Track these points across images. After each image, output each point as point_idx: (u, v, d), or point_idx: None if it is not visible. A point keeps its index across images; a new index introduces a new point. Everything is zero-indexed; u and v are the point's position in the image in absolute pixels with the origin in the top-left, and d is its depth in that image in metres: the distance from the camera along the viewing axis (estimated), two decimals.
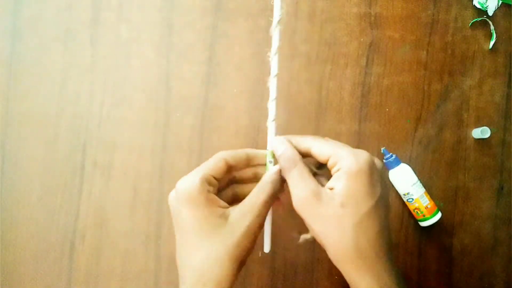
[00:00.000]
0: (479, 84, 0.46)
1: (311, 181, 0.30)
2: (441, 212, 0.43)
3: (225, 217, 0.30)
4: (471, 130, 0.45)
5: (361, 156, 0.29)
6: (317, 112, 0.44)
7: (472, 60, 0.46)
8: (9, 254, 0.41)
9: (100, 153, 0.42)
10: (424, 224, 0.43)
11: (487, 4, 0.45)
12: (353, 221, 0.28)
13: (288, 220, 0.42)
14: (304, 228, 0.43)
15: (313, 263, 0.43)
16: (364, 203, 0.28)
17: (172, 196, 0.32)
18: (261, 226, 0.31)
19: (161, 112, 0.43)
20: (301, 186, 0.30)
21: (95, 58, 0.43)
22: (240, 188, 0.36)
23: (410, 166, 0.43)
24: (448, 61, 0.45)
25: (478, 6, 0.45)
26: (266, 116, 0.43)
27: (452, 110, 0.45)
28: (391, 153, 0.43)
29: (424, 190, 0.43)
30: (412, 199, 0.42)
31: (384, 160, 0.43)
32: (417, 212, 0.43)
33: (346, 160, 0.29)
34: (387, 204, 0.31)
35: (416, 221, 0.44)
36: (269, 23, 0.44)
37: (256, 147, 0.43)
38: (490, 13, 0.45)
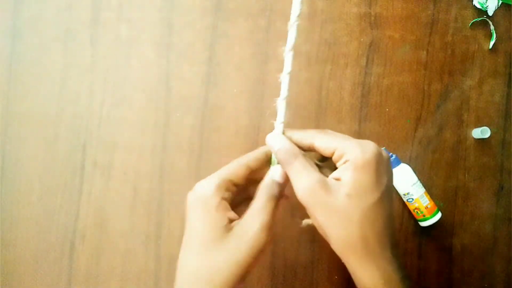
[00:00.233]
0: (479, 84, 0.46)
1: (315, 171, 0.29)
2: (441, 212, 0.43)
3: (230, 229, 0.29)
4: (471, 130, 0.45)
5: (368, 147, 0.29)
6: (317, 112, 0.44)
7: (472, 60, 0.46)
8: (9, 254, 0.41)
9: (100, 153, 0.42)
10: (424, 224, 0.43)
11: (487, 4, 0.45)
12: (359, 213, 0.28)
13: (288, 220, 0.42)
14: (302, 227, 0.43)
15: (313, 263, 0.43)
16: (371, 195, 0.28)
17: (190, 195, 0.31)
18: (262, 238, 0.29)
19: (161, 112, 0.43)
20: (304, 176, 0.29)
21: (95, 58, 0.43)
22: (254, 189, 0.34)
23: (410, 166, 0.43)
24: (448, 61, 0.45)
25: (478, 6, 0.45)
26: (266, 116, 0.43)
27: (452, 110, 0.45)
28: (391, 153, 0.43)
29: (424, 190, 0.43)
30: (412, 199, 0.42)
31: None
32: (417, 212, 0.43)
33: (353, 152, 0.28)
34: (391, 196, 0.30)
35: (416, 221, 0.44)
36: (269, 23, 0.44)
37: (256, 147, 0.43)
38: (490, 13, 0.45)
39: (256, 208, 0.30)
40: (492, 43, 0.46)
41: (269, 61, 0.43)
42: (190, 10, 0.43)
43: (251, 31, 0.44)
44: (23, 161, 0.42)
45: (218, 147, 0.43)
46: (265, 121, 0.43)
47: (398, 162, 0.43)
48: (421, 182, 0.43)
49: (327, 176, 0.30)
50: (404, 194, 0.43)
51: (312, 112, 0.44)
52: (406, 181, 0.42)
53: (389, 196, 0.29)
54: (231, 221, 0.30)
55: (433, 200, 0.43)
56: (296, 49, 0.44)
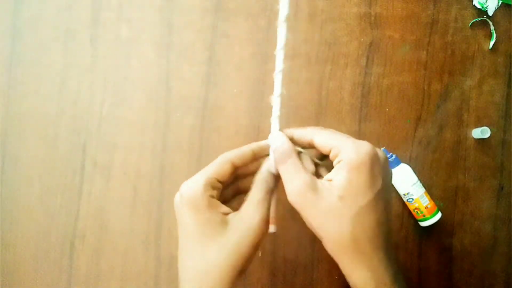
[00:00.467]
0: (479, 84, 0.46)
1: (305, 173, 0.29)
2: (441, 212, 0.43)
3: (225, 223, 0.29)
4: (471, 130, 0.45)
5: (363, 148, 0.28)
6: (317, 112, 0.44)
7: (472, 60, 0.46)
8: (9, 254, 0.41)
9: (100, 153, 0.42)
10: (424, 224, 0.43)
11: (487, 4, 0.45)
12: (350, 214, 0.28)
13: (288, 220, 0.42)
14: (302, 227, 0.43)
15: (313, 263, 0.43)
16: (363, 196, 0.28)
17: (177, 198, 0.31)
18: (261, 228, 0.30)
19: (161, 112, 0.43)
20: (294, 178, 0.29)
21: (95, 58, 0.43)
22: (243, 183, 0.35)
23: (410, 166, 0.43)
24: (448, 61, 0.45)
25: (478, 6, 0.45)
26: (266, 116, 0.43)
27: (452, 110, 0.45)
28: (391, 153, 0.43)
29: (424, 190, 0.43)
30: (412, 199, 0.42)
31: None
32: (417, 212, 0.43)
33: (348, 152, 0.28)
34: (388, 197, 0.30)
35: (416, 221, 0.44)
36: (269, 23, 0.44)
37: None
38: (490, 13, 0.45)
39: (255, 201, 0.30)
40: (492, 43, 0.46)
41: (269, 61, 0.43)
42: (190, 10, 0.43)
43: (251, 31, 0.44)
44: (23, 161, 0.42)
45: (218, 147, 0.43)
46: (265, 121, 0.43)
47: (398, 162, 0.43)
48: (421, 182, 0.43)
49: (323, 176, 0.30)
50: (404, 194, 0.43)
51: (312, 112, 0.44)
52: (406, 181, 0.42)
53: (384, 197, 0.29)
54: (225, 215, 0.30)
55: (433, 200, 0.43)
56: (296, 49, 0.45)
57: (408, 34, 0.45)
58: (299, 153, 0.32)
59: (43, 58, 0.42)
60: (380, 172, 0.29)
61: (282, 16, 0.30)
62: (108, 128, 0.43)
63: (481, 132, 0.44)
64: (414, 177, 0.43)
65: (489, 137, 0.44)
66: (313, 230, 0.30)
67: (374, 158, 0.28)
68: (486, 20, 0.46)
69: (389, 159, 0.43)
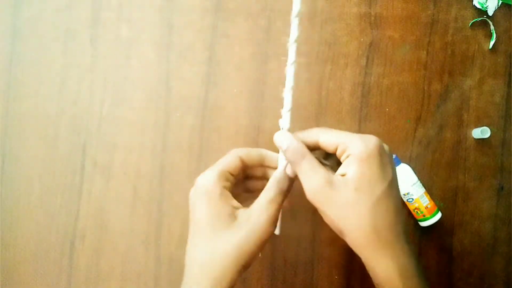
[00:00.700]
0: (479, 84, 0.46)
1: (322, 170, 0.30)
2: (441, 212, 0.43)
3: (234, 216, 0.31)
4: (471, 130, 0.45)
5: (370, 140, 0.29)
6: (317, 112, 0.44)
7: (472, 60, 0.46)
8: (9, 254, 0.41)
9: (100, 153, 0.42)
10: (424, 224, 0.43)
11: (487, 4, 0.45)
12: (369, 204, 0.28)
13: (288, 220, 0.42)
14: (302, 227, 0.43)
15: (313, 263, 0.43)
16: (378, 186, 0.29)
17: (192, 191, 0.32)
18: (268, 227, 0.31)
19: (161, 112, 0.43)
20: (312, 175, 0.30)
21: (95, 58, 0.43)
22: (251, 184, 0.37)
23: (410, 166, 0.43)
24: (448, 61, 0.45)
25: (478, 6, 0.45)
26: (266, 116, 0.43)
27: (452, 110, 0.45)
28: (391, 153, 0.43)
29: (424, 190, 0.43)
30: (412, 199, 0.42)
31: None
32: (417, 212, 0.43)
33: (356, 146, 0.29)
34: (398, 186, 0.31)
35: (416, 221, 0.44)
36: (269, 23, 0.44)
37: (256, 147, 0.43)
38: (490, 13, 0.45)
39: (266, 200, 0.31)
40: (492, 43, 0.46)
41: (269, 61, 0.43)
42: (190, 10, 0.43)
43: (251, 31, 0.44)
44: (23, 161, 0.42)
45: (218, 147, 0.43)
46: (265, 121, 0.43)
47: (398, 162, 0.43)
48: (421, 182, 0.43)
49: (333, 174, 0.30)
50: (404, 194, 0.43)
51: (312, 112, 0.44)
52: (406, 181, 0.42)
53: (395, 186, 0.30)
54: (235, 209, 0.31)
55: (433, 200, 0.43)
56: (296, 49, 0.44)
57: (408, 34, 0.45)
58: None
59: (43, 58, 0.42)
60: (389, 163, 0.30)
61: (294, 11, 0.32)
62: (108, 128, 0.43)
63: (481, 132, 0.44)
64: (414, 177, 0.43)
65: (489, 137, 0.44)
66: (333, 227, 0.31)
67: (381, 150, 0.30)
68: (486, 20, 0.46)
69: None
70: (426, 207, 0.42)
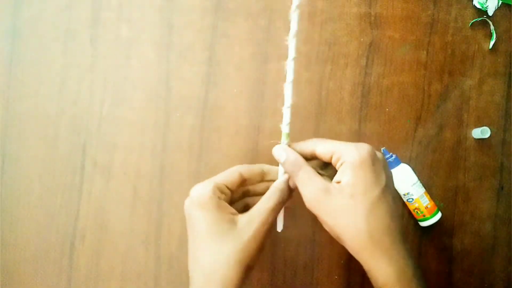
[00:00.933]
0: (479, 84, 0.46)
1: (318, 179, 0.31)
2: (441, 212, 0.43)
3: (234, 222, 0.31)
4: (471, 130, 0.45)
5: (362, 148, 0.31)
6: (317, 112, 0.44)
7: (472, 60, 0.46)
8: (9, 254, 0.41)
9: (100, 153, 0.42)
10: (424, 224, 0.43)
11: (487, 4, 0.45)
12: (363, 209, 0.29)
13: (288, 220, 0.42)
14: (302, 227, 0.43)
15: (313, 263, 0.43)
16: (372, 191, 0.29)
17: (187, 202, 0.33)
18: (268, 232, 0.32)
19: (161, 112, 0.43)
20: (309, 185, 0.31)
21: (95, 58, 0.43)
22: (251, 200, 0.37)
23: (410, 166, 0.43)
24: (448, 61, 0.45)
25: (478, 6, 0.45)
26: (266, 116, 0.43)
27: (452, 110, 0.45)
28: (391, 153, 0.43)
29: (424, 190, 0.43)
30: (412, 199, 0.42)
31: None
32: (417, 212, 0.43)
33: (349, 153, 0.30)
34: (393, 193, 0.32)
35: (416, 221, 0.44)
36: (269, 23, 0.44)
37: (256, 147, 0.43)
38: (490, 13, 0.45)
39: (268, 207, 0.32)
40: (492, 43, 0.46)
41: (269, 61, 0.43)
42: (190, 10, 0.43)
43: (251, 31, 0.44)
44: (23, 161, 0.42)
45: (218, 147, 0.43)
46: (265, 121, 0.43)
47: (398, 162, 0.43)
48: (421, 182, 0.43)
49: (329, 182, 0.31)
50: (404, 194, 0.43)
51: (312, 112, 0.44)
52: (406, 181, 0.42)
53: (390, 191, 0.31)
54: (233, 215, 0.32)
55: (433, 200, 0.43)
56: (296, 49, 0.44)
57: (408, 34, 0.45)
58: None
59: (43, 58, 0.42)
60: (382, 169, 0.31)
61: (294, 5, 0.32)
62: (108, 128, 0.43)
63: (481, 132, 0.44)
64: (414, 177, 0.43)
65: (489, 137, 0.44)
66: (332, 233, 0.32)
67: (374, 156, 0.31)
68: (486, 20, 0.46)
69: (389, 159, 0.43)
70: (426, 207, 0.42)
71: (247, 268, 0.31)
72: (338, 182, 0.30)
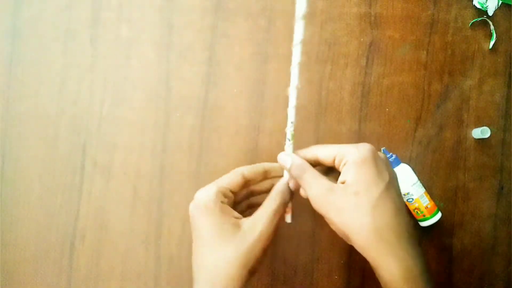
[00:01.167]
0: (479, 84, 0.46)
1: (323, 179, 0.32)
2: (441, 212, 0.43)
3: (238, 226, 0.32)
4: (471, 130, 0.45)
5: (364, 147, 0.31)
6: (317, 112, 0.44)
7: (472, 60, 0.46)
8: (9, 254, 0.41)
9: (100, 153, 0.42)
10: (424, 224, 0.43)
11: (487, 4, 0.45)
12: (368, 205, 0.30)
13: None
14: (302, 227, 0.43)
15: (313, 263, 0.43)
16: (375, 188, 0.30)
17: (191, 206, 0.33)
18: (272, 235, 0.32)
19: (161, 112, 0.43)
20: (315, 185, 0.32)
21: (95, 58, 0.43)
22: (256, 199, 0.37)
23: (410, 166, 0.43)
24: (448, 61, 0.45)
25: (478, 6, 0.45)
26: (266, 116, 0.43)
27: (452, 110, 0.45)
28: (391, 153, 0.43)
29: (424, 190, 0.43)
30: (412, 199, 0.42)
31: None
32: (417, 212, 0.43)
33: (350, 153, 0.31)
34: (398, 190, 0.32)
35: (416, 221, 0.44)
36: (269, 23, 0.44)
37: (256, 147, 0.43)
38: (490, 13, 0.45)
39: (270, 211, 0.33)
40: (492, 43, 0.46)
41: (269, 61, 0.43)
42: (190, 10, 0.43)
43: (251, 31, 0.44)
44: (23, 161, 0.42)
45: (218, 147, 0.43)
46: (265, 121, 0.43)
47: (398, 162, 0.43)
48: (421, 182, 0.43)
49: (334, 182, 0.32)
50: (404, 194, 0.43)
51: (312, 112, 0.44)
52: (406, 181, 0.42)
53: (394, 188, 0.31)
54: (237, 219, 0.32)
55: (433, 200, 0.43)
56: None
57: (408, 34, 0.45)
58: None
59: (43, 58, 0.42)
60: (384, 166, 0.31)
61: (298, 13, 0.32)
62: (108, 128, 0.43)
63: (481, 132, 0.44)
64: (414, 177, 0.43)
65: (489, 137, 0.44)
66: (338, 232, 0.33)
67: (375, 155, 0.31)
68: (486, 20, 0.46)
69: (389, 159, 0.43)
70: (426, 207, 0.42)
71: (251, 271, 0.31)
72: (343, 182, 0.31)
